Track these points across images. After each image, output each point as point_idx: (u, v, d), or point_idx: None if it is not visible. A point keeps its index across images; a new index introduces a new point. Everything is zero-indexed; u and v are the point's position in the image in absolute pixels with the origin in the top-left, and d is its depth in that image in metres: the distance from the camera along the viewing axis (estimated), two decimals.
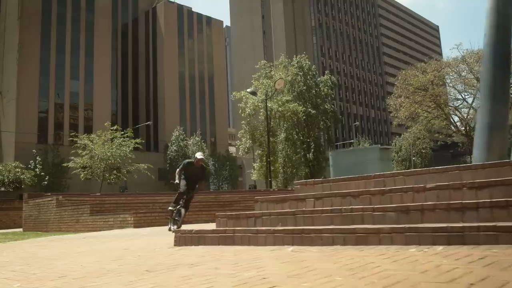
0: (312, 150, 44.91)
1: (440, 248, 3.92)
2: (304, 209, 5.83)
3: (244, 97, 41.97)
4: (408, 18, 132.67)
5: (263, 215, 6.05)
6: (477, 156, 6.83)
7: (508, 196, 4.45)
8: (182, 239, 6.45)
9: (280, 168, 43.31)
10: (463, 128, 38.15)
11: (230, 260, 4.35)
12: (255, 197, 7.10)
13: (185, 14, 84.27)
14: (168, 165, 61.45)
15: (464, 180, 5.08)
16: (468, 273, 2.71)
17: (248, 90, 39.02)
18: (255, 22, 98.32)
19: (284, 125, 43.01)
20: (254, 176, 45.56)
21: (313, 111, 44.23)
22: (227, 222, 6.42)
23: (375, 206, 5.08)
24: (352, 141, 75.79)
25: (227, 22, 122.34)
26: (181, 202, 10.64)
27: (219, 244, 5.90)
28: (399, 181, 5.76)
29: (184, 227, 9.12)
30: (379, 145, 45.53)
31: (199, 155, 11.02)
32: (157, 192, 35.59)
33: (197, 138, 62.96)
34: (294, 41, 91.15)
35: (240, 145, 44.40)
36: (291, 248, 4.90)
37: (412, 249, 3.99)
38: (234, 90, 58.36)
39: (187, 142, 62.87)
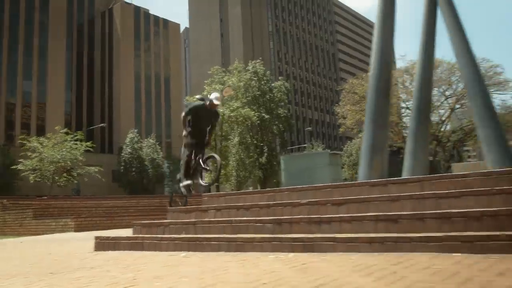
0: (266, 154, 45.90)
1: (291, 254, 4.84)
2: (203, 219, 6.71)
3: (197, 101, 42.61)
4: (364, 26, 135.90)
5: (170, 224, 6.89)
6: (361, 174, 7.86)
7: (359, 211, 5.45)
8: (101, 245, 7.20)
9: (233, 171, 44.14)
10: (406, 135, 39.83)
11: (126, 264, 5.16)
12: (167, 207, 7.90)
13: (141, 16, 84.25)
14: (122, 167, 61.40)
15: (333, 197, 6.06)
16: (275, 274, 3.62)
17: (197, 96, 39.56)
18: (213, 25, 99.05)
19: (238, 129, 43.87)
20: (205, 180, 46.20)
21: (266, 116, 45.26)
22: (141, 230, 7.23)
23: (257, 218, 6.00)
24: (305, 145, 77.35)
25: (186, 24, 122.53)
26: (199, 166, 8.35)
27: (131, 250, 6.69)
28: (286, 196, 6.70)
29: (111, 232, 9.79)
30: (329, 150, 46.84)
31: (215, 97, 8.44)
32: (109, 195, 35.86)
33: (151, 141, 63.18)
34: (251, 45, 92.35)
35: None
36: (184, 253, 5.76)
37: (271, 256, 4.88)
38: (193, 92, 58.85)
39: (141, 145, 62.98)
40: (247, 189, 48.10)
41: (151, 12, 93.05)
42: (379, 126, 8.03)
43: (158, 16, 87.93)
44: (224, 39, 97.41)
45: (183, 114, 8.45)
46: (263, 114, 44.86)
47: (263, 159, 45.65)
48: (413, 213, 4.82)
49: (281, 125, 47.81)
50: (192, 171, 8.46)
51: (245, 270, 4.01)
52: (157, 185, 63.05)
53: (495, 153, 8.14)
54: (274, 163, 46.27)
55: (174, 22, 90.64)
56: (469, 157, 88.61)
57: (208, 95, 8.80)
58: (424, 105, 9.86)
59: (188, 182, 8.40)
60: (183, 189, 8.58)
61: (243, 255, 5.16)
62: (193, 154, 8.36)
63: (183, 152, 8.59)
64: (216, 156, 8.45)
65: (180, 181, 8.70)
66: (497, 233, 4.01)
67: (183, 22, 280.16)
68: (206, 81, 44.96)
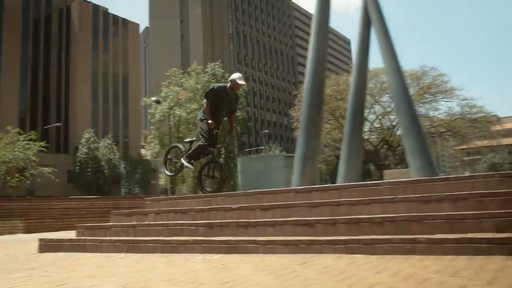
0: (223, 155, 46.25)
1: (217, 256, 5.31)
2: (143, 222, 7.11)
3: (153, 103, 42.77)
4: None
5: (112, 227, 7.26)
6: (294, 180, 8.41)
7: (283, 216, 5.96)
8: (45, 247, 7.47)
9: (190, 172, 44.36)
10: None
11: (64, 265, 5.49)
12: (111, 211, 8.25)
13: (100, 14, 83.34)
14: (77, 167, 60.61)
15: (262, 203, 6.56)
16: (194, 273, 4.08)
17: (153, 98, 39.98)
18: (173, 26, 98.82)
19: (196, 130, 44.12)
20: (161, 181, 46.37)
21: (225, 118, 45.62)
22: (84, 232, 7.57)
23: (192, 222, 6.45)
24: (262, 147, 78.11)
25: (147, 23, 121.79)
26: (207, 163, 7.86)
27: (74, 251, 7.00)
28: (221, 201, 7.16)
29: (58, 234, 9.99)
30: (285, 153, 47.52)
31: (238, 77, 7.72)
32: (64, 195, 35.50)
33: (108, 141, 62.63)
34: (211, 47, 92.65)
35: (149, 149, 45.17)
36: (122, 255, 6.15)
37: (199, 257, 5.33)
38: (152, 92, 58.73)
39: (98, 145, 62.36)
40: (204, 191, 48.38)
41: (110, 11, 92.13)
42: (312, 136, 8.60)
43: (117, 15, 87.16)
44: (184, 40, 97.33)
45: (205, 100, 7.60)
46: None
47: (220, 161, 45.90)
48: (327, 218, 5.35)
49: (238, 127, 48.26)
50: (196, 159, 7.94)
51: (170, 270, 4.45)
52: (113, 186, 62.55)
53: (419, 162, 8.86)
54: (232, 165, 46.64)
55: (134, 22, 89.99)
56: None
57: (233, 76, 7.90)
58: (359, 110, 10.53)
59: (187, 165, 7.84)
60: (183, 162, 7.94)
61: (175, 256, 5.59)
62: (208, 144, 7.67)
63: (202, 138, 7.75)
64: (220, 161, 7.85)
65: (184, 154, 8.01)
66: (392, 236, 4.59)
67: (144, 21, 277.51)
68: (163, 83, 45.05)
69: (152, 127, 44.93)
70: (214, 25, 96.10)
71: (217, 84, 7.75)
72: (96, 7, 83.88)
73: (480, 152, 67.17)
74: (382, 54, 9.51)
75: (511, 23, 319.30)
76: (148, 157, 45.45)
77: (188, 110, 41.62)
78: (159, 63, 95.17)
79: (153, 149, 44.21)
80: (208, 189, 7.91)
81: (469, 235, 4.31)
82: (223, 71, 48.45)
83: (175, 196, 8.72)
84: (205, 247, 5.68)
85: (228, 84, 7.66)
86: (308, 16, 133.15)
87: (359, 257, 4.44)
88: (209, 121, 7.43)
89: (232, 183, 47.54)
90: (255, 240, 5.32)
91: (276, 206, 6.16)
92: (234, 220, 6.08)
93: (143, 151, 78.26)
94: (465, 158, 72.48)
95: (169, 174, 8.65)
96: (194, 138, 7.99)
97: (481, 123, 35.77)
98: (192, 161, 7.88)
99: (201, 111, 7.87)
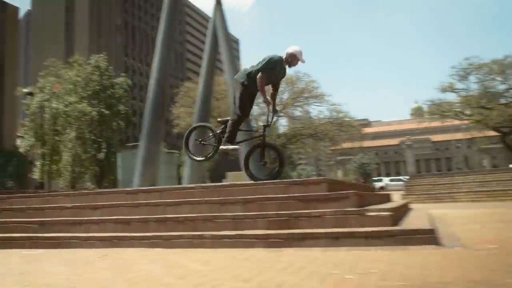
0: (104, 150, 45.57)
1: (42, 250, 5.97)
2: None
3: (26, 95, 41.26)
4: None
5: None
6: (134, 182, 9.21)
7: (110, 215, 6.73)
8: None
9: (68, 166, 43.28)
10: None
11: None
12: None
13: None
14: None
15: (95, 202, 7.29)
16: (5, 266, 4.77)
17: (25, 89, 38.61)
18: (58, 13, 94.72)
19: (75, 123, 43.10)
20: (36, 175, 44.78)
21: (106, 112, 45.02)
22: None
23: (27, 219, 7.04)
24: None
25: (29, 7, 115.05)
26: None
27: None
28: (60, 200, 7.77)
29: None
30: (166, 149, 47.75)
31: (300, 52, 6.56)
32: None
33: None
34: (97, 37, 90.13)
35: (23, 142, 43.45)
36: None
37: (25, 252, 5.97)
38: (33, 81, 56.07)
39: None
40: (85, 185, 47.42)
41: None
42: (153, 142, 9.43)
43: None
44: (69, 28, 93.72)
45: (260, 74, 6.43)
46: (103, 110, 44.60)
47: (101, 155, 45.31)
48: (141, 217, 6.23)
49: (121, 122, 47.83)
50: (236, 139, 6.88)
51: None
52: None
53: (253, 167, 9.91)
54: (113, 159, 46.06)
55: (13, 5, 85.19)
56: (299, 159, 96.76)
57: (291, 49, 6.64)
58: (206, 117, 11.57)
59: (234, 147, 6.94)
60: (225, 149, 6.93)
61: (4, 252, 6.16)
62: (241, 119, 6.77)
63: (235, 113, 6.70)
64: (275, 144, 6.98)
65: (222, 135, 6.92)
66: (186, 233, 5.55)
67: (25, 4, 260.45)
68: (41, 73, 43.49)
69: (27, 119, 43.23)
70: (102, 16, 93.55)
71: (275, 56, 6.58)
72: None
73: (350, 153, 71.99)
74: (226, 67, 10.56)
75: (399, 36, 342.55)
76: (21, 150, 43.54)
77: (66, 103, 40.60)
78: (41, 50, 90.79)
79: (27, 141, 42.58)
80: (261, 177, 6.91)
81: (245, 232, 5.37)
82: (107, 63, 47.73)
83: (19, 194, 9.10)
84: (34, 243, 6.32)
85: (284, 57, 6.58)
86: (199, 13, 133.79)
87: (156, 250, 5.34)
88: (268, 99, 6.50)
89: (112, 177, 47.05)
90: (77, 236, 6.08)
91: (106, 206, 6.93)
92: (65, 218, 6.76)
93: (19, 142, 74.44)
94: (338, 158, 77.49)
95: (197, 159, 7.40)
96: (229, 118, 6.87)
97: (346, 127, 38.75)
98: (232, 142, 6.84)
99: (243, 71, 6.82)
